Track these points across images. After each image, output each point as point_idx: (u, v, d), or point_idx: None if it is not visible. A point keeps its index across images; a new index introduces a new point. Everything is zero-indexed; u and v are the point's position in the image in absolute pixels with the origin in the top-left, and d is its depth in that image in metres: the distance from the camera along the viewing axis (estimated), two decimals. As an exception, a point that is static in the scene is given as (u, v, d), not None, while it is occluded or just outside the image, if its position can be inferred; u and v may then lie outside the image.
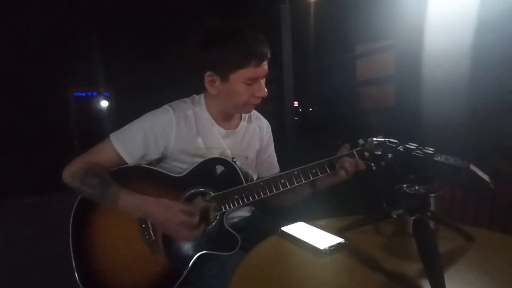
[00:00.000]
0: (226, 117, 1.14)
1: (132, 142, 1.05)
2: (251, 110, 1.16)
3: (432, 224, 0.85)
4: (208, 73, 1.04)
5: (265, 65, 1.02)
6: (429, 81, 1.86)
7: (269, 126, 1.29)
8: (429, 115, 1.84)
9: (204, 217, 1.03)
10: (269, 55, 1.02)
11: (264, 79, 1.06)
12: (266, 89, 1.04)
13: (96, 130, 5.48)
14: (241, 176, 1.05)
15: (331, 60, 3.60)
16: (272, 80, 2.89)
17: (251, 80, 1.01)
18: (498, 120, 1.63)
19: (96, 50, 5.22)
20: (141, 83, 5.29)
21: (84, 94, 6.24)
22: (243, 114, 1.19)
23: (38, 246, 2.77)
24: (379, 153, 0.89)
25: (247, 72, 0.99)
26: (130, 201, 0.98)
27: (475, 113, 1.66)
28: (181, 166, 1.08)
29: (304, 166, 1.03)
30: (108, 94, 6.22)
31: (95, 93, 6.26)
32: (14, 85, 4.93)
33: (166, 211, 0.96)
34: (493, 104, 1.63)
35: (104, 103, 6.29)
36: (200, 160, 1.06)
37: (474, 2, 1.63)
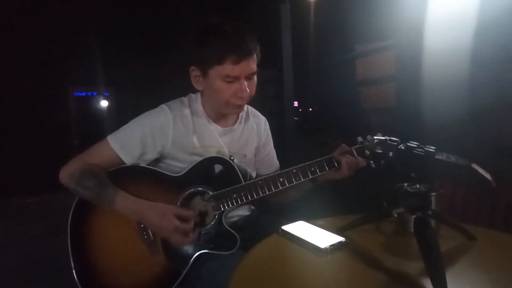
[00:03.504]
0: (222, 115, 1.13)
1: (130, 142, 1.04)
2: (237, 111, 1.12)
3: (433, 222, 0.85)
4: (191, 67, 1.04)
5: (248, 64, 0.98)
6: (429, 81, 1.86)
7: (267, 123, 1.27)
8: (429, 115, 1.83)
9: (201, 220, 1.03)
10: (252, 54, 0.99)
11: (254, 79, 1.03)
12: (248, 90, 1.00)
13: (96, 130, 5.47)
14: (240, 175, 1.04)
15: (331, 60, 3.60)
16: (272, 80, 2.90)
17: (230, 77, 0.98)
18: (498, 120, 1.63)
19: (96, 50, 5.21)
20: (141, 83, 5.30)
21: (84, 94, 6.23)
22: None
23: (38, 246, 2.77)
24: (380, 151, 0.88)
25: (224, 69, 0.96)
26: (125, 204, 0.98)
27: (475, 113, 1.66)
28: (179, 165, 1.07)
29: (303, 164, 1.03)
30: (108, 94, 6.22)
31: (95, 93, 6.26)
32: (14, 85, 4.93)
33: (160, 217, 0.95)
34: (493, 103, 1.63)
35: (104, 103, 6.29)
36: (198, 159, 1.05)
37: (474, 2, 1.63)
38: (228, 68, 0.96)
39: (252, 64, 1.00)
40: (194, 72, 1.04)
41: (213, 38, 0.97)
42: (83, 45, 5.18)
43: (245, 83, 1.00)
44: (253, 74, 1.01)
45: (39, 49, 4.98)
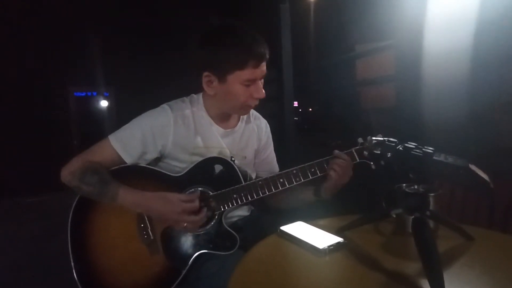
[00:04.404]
0: (225, 117, 1.14)
1: (131, 141, 1.05)
2: (249, 112, 1.15)
3: (431, 223, 0.85)
4: (205, 73, 1.03)
5: (263, 66, 1.01)
6: (429, 81, 1.85)
7: (268, 126, 1.28)
8: (429, 115, 1.83)
9: (206, 204, 1.02)
10: (267, 56, 1.01)
11: (262, 80, 1.05)
12: (264, 91, 1.03)
13: (96, 130, 5.48)
14: (240, 175, 1.04)
15: (331, 60, 3.59)
16: (272, 80, 2.89)
17: (249, 81, 1.00)
18: (498, 120, 1.63)
19: (96, 50, 5.22)
20: (141, 83, 5.29)
21: (84, 94, 6.24)
22: None
23: (38, 246, 2.77)
24: (378, 152, 0.89)
25: (244, 74, 0.98)
26: (129, 197, 0.99)
27: (475, 113, 1.66)
28: (179, 165, 1.08)
29: (303, 165, 1.03)
30: (108, 94, 6.22)
31: (95, 93, 6.26)
32: (14, 85, 4.93)
33: (166, 203, 0.96)
34: (493, 103, 1.63)
35: (104, 103, 6.29)
36: (198, 159, 1.06)
37: (474, 2, 1.62)
38: (249, 72, 0.98)
39: (265, 66, 1.02)
40: (208, 77, 1.03)
41: (232, 44, 0.97)
42: (83, 45, 5.18)
43: (260, 84, 1.02)
44: (264, 75, 1.04)
45: (39, 49, 4.98)
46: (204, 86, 1.06)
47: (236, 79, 0.99)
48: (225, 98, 1.05)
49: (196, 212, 0.97)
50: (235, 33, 0.99)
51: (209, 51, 1.01)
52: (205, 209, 1.00)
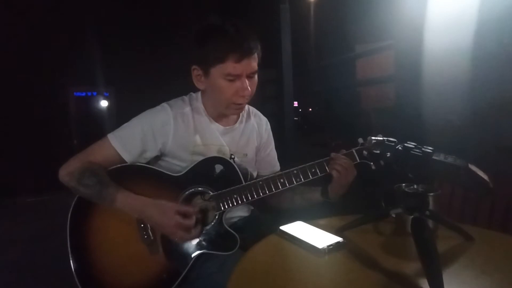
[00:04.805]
0: (223, 114, 1.13)
1: (130, 140, 1.04)
2: (238, 112, 1.13)
3: (431, 223, 0.85)
4: (193, 67, 1.04)
5: (248, 63, 0.99)
6: (429, 81, 1.86)
7: (268, 123, 1.28)
8: (429, 115, 1.84)
9: (202, 217, 1.03)
10: (254, 52, 0.99)
11: (255, 78, 1.04)
12: (250, 88, 1.01)
13: (96, 130, 5.47)
14: (240, 175, 1.04)
15: (331, 60, 3.60)
16: (272, 80, 2.90)
17: (232, 76, 0.98)
18: (498, 120, 1.63)
19: (96, 50, 5.21)
20: (141, 83, 5.29)
21: (84, 94, 6.23)
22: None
23: (38, 246, 2.77)
24: (378, 152, 0.89)
25: (226, 67, 0.97)
26: (127, 202, 0.98)
27: (475, 113, 1.66)
28: (179, 164, 1.08)
29: (303, 165, 1.03)
30: (108, 94, 6.22)
31: (95, 93, 6.25)
32: (14, 85, 4.93)
33: (161, 213, 0.96)
34: (493, 103, 1.63)
35: (104, 103, 6.28)
36: (199, 158, 1.05)
37: (474, 2, 1.63)
38: (230, 66, 0.97)
39: (253, 63, 1.01)
40: (196, 71, 1.05)
41: (215, 37, 0.98)
42: (83, 45, 5.17)
43: (246, 81, 1.00)
44: (254, 73, 1.02)
45: (39, 49, 4.98)
46: (194, 80, 1.06)
47: (218, 73, 0.99)
48: (213, 94, 1.05)
49: (190, 228, 0.97)
50: (219, 27, 0.99)
51: (196, 45, 1.02)
52: (200, 227, 1.00)
